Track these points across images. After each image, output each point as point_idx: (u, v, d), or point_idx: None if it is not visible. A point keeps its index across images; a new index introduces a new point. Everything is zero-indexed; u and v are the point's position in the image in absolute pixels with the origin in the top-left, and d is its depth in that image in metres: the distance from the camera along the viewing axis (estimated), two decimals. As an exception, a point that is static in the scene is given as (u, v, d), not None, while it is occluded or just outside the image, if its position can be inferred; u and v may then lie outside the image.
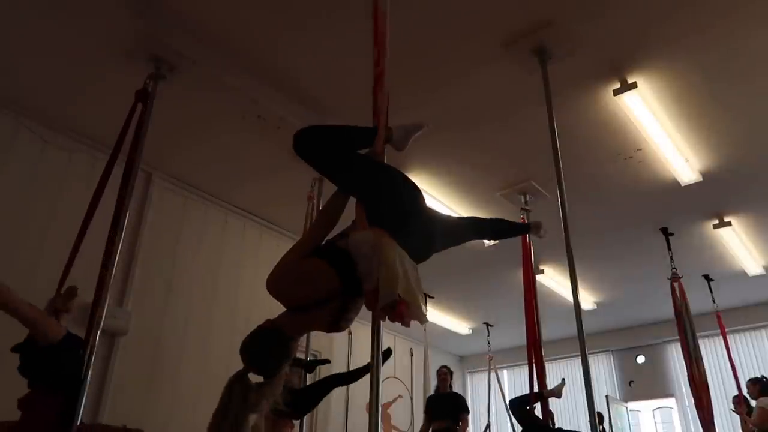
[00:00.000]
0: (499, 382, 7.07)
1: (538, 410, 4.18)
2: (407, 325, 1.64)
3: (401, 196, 1.88)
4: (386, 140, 1.97)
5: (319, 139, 1.87)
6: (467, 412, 5.53)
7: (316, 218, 1.90)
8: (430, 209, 2.07)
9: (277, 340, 1.77)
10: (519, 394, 5.34)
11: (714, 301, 6.16)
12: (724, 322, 6.14)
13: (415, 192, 1.94)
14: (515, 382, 8.96)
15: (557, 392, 4.24)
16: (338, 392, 6.06)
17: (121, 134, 3.14)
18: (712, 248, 5.81)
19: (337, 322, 1.77)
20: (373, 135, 1.94)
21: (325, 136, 1.90)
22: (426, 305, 1.75)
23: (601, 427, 6.84)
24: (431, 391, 5.80)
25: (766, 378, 5.49)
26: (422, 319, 1.66)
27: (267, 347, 1.77)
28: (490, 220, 2.78)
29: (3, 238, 3.67)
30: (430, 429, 5.33)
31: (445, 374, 5.66)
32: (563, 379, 4.53)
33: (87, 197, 2.97)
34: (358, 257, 1.69)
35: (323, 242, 1.85)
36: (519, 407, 4.35)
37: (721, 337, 6.16)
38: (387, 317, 1.61)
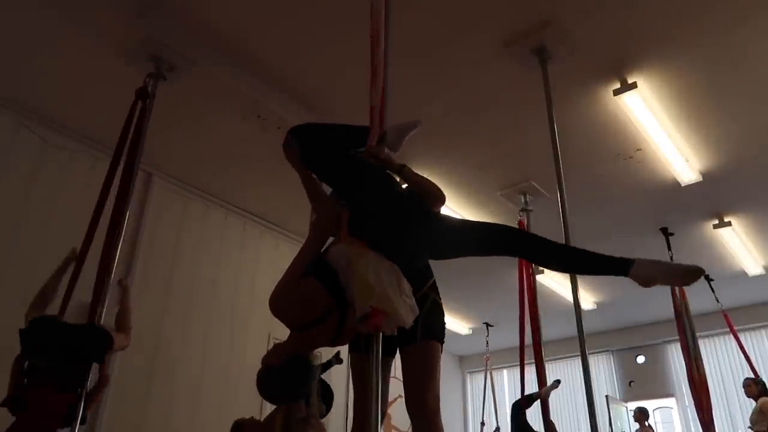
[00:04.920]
0: (492, 384, 7.07)
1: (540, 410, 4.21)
2: (387, 332, 1.62)
3: (383, 209, 1.83)
4: (380, 140, 1.88)
5: (312, 138, 1.83)
6: None
7: (309, 232, 1.87)
8: (433, 215, 1.94)
9: (297, 366, 1.74)
10: (517, 393, 5.33)
11: (718, 300, 6.14)
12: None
13: (403, 201, 1.86)
14: (515, 382, 8.92)
15: (544, 393, 4.27)
16: (338, 392, 6.04)
17: (122, 133, 3.15)
18: (712, 248, 5.80)
19: (339, 336, 1.75)
20: (366, 134, 1.88)
21: (317, 135, 1.84)
22: (409, 304, 1.70)
23: (647, 422, 6.77)
24: None
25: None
26: (404, 323, 1.63)
27: (291, 379, 1.75)
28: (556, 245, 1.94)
29: (3, 238, 3.67)
30: None
31: None
32: (556, 381, 4.54)
33: (87, 197, 2.97)
34: (338, 270, 1.70)
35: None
36: (517, 411, 4.38)
37: (720, 338, 6.17)
38: (363, 329, 1.59)
